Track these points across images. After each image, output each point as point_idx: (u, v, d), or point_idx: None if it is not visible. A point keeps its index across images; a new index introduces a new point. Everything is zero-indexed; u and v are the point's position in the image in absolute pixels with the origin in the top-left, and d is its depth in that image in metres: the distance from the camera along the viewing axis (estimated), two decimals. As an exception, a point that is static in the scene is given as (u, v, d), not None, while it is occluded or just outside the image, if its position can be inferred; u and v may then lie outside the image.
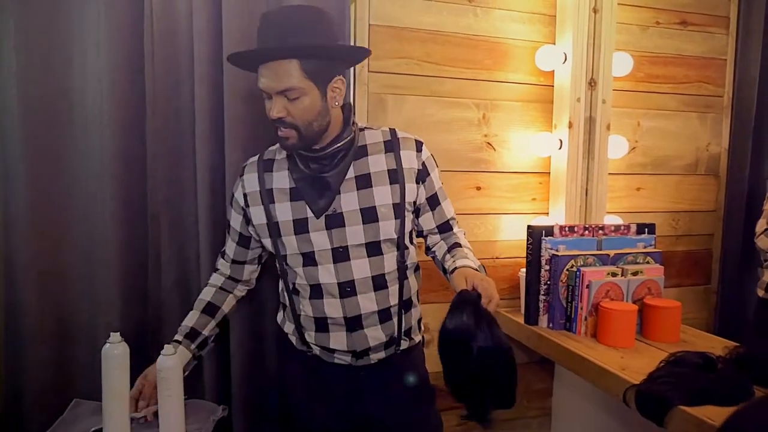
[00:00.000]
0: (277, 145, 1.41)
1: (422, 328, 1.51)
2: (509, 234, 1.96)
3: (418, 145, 1.40)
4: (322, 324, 1.36)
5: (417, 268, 1.47)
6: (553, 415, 2.07)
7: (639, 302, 1.70)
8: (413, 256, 1.43)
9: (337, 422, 1.40)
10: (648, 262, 1.78)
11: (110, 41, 1.54)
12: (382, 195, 1.34)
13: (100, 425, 1.24)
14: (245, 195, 1.40)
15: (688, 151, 2.17)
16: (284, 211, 1.35)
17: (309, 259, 1.34)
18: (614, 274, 1.70)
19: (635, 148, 2.08)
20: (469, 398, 1.19)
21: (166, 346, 1.27)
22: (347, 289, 1.33)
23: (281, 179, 1.37)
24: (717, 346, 1.55)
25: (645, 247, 1.82)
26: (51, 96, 1.54)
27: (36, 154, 1.53)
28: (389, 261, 1.36)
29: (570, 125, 1.87)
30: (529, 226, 1.77)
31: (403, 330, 1.40)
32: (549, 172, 1.98)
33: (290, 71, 1.23)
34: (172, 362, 1.25)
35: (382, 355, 1.38)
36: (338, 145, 1.33)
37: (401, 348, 1.41)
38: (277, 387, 1.61)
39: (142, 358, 1.53)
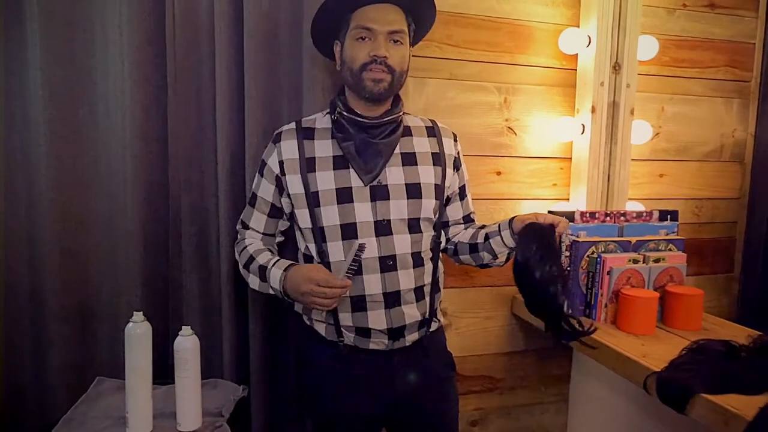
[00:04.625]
0: (313, 116, 1.44)
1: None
2: (529, 219, 1.95)
3: (455, 136, 1.49)
4: (359, 303, 1.33)
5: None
6: (571, 401, 2.07)
7: (660, 289, 1.67)
8: (443, 239, 1.46)
9: (368, 408, 1.39)
10: (670, 250, 1.76)
11: (132, 23, 1.54)
12: (427, 174, 1.38)
13: (122, 403, 1.26)
14: (281, 162, 1.37)
15: (712, 137, 2.13)
16: (326, 180, 1.33)
17: (349, 231, 1.31)
18: (636, 261, 1.68)
19: (659, 133, 2.05)
20: (541, 315, 1.35)
21: (184, 327, 1.28)
22: (389, 263, 1.32)
23: (324, 147, 1.36)
24: (740, 334, 1.53)
25: (667, 234, 1.79)
26: (74, 77, 1.55)
27: (58, 135, 1.55)
28: (426, 239, 1.38)
29: (593, 110, 1.85)
30: (549, 212, 1.74)
31: (433, 310, 1.42)
32: (570, 158, 1.95)
33: (399, 17, 1.32)
34: (189, 343, 1.27)
35: (415, 336, 1.39)
36: (390, 117, 1.36)
37: (430, 329, 1.42)
38: (298, 376, 1.54)
39: (162, 338, 1.56)
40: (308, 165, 1.35)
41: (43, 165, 1.54)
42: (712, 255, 2.16)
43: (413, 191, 1.35)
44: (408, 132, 1.41)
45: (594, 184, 1.87)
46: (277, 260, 1.36)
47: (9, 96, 1.53)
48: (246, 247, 1.42)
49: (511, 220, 1.37)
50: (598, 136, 1.86)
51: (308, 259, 1.39)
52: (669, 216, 1.82)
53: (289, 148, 1.37)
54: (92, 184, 1.60)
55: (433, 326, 1.44)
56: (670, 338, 1.55)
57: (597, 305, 1.67)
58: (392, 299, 1.34)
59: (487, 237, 1.41)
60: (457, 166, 1.48)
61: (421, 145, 1.41)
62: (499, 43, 1.85)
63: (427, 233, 1.39)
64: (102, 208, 1.61)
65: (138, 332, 1.22)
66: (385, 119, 1.35)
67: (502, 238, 1.39)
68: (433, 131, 1.45)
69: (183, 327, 1.27)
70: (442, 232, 1.46)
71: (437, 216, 1.40)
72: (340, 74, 1.39)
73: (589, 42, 1.84)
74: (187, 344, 1.25)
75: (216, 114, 1.60)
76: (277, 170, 1.38)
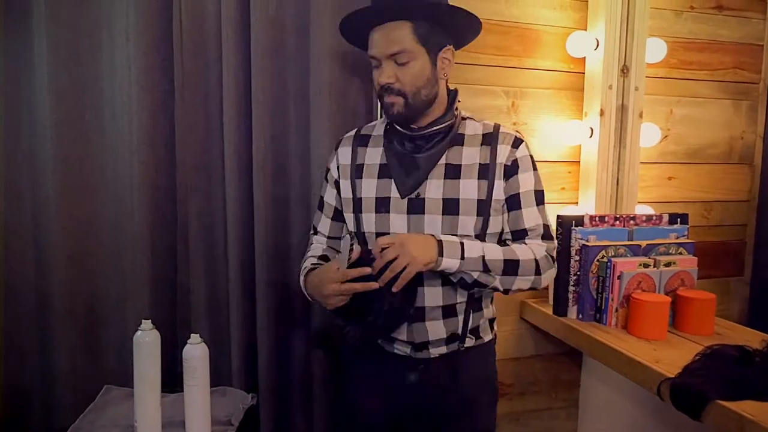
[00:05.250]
0: (376, 122, 1.42)
1: (494, 327, 1.43)
2: (537, 223, 1.93)
3: (516, 142, 1.31)
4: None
5: None
6: (581, 406, 2.05)
7: (671, 293, 1.66)
8: None
9: (391, 412, 1.37)
10: (681, 253, 1.75)
11: (139, 27, 1.54)
12: (468, 189, 1.28)
13: (131, 412, 1.25)
14: (338, 167, 1.40)
15: (721, 140, 2.12)
16: (369, 188, 1.33)
17: None
18: (646, 265, 1.67)
19: (667, 136, 2.03)
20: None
21: (192, 335, 1.27)
22: (415, 277, 1.25)
23: (374, 155, 1.35)
24: (753, 338, 1.52)
25: (677, 238, 1.78)
26: (81, 82, 1.55)
27: (66, 140, 1.55)
28: None
29: (602, 113, 1.83)
30: (558, 216, 1.74)
31: (469, 328, 1.34)
32: (578, 161, 1.94)
33: (402, 34, 1.23)
34: (198, 351, 1.25)
35: (443, 350, 1.33)
36: (437, 127, 1.30)
37: (465, 345, 1.35)
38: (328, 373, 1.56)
39: (170, 345, 1.55)
40: (357, 171, 1.36)
41: (50, 169, 1.54)
42: (722, 258, 2.14)
43: (450, 207, 1.28)
44: (459, 141, 1.32)
45: (603, 187, 1.86)
46: (306, 268, 1.35)
47: (16, 99, 1.53)
48: (306, 258, 1.41)
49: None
50: (606, 140, 1.85)
51: None
52: (679, 219, 1.81)
53: (344, 154, 1.40)
54: (99, 189, 1.60)
55: (469, 342, 1.35)
56: (683, 343, 1.53)
57: (607, 310, 1.66)
58: (416, 314, 1.29)
59: None
60: (508, 175, 1.30)
61: (471, 155, 1.30)
62: (507, 47, 1.84)
63: None
64: (109, 212, 1.61)
65: (147, 340, 1.21)
66: (428, 130, 1.30)
67: None
68: (489, 138, 1.32)
69: (192, 335, 1.26)
70: None
71: (482, 231, 1.29)
72: None
73: (597, 45, 1.83)
74: (196, 352, 1.23)
75: (223, 119, 1.60)
76: (336, 175, 1.40)
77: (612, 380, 1.89)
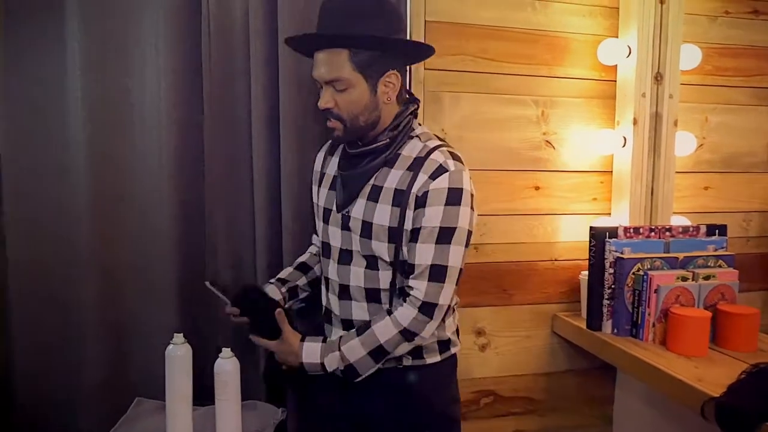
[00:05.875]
0: None
1: (450, 348, 1.37)
2: (569, 235, 1.89)
3: (437, 172, 1.21)
4: (327, 315, 1.40)
5: None
6: (615, 424, 1.99)
7: (711, 308, 1.61)
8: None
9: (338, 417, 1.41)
10: (720, 266, 1.69)
11: (168, 43, 1.56)
12: (382, 214, 1.25)
13: (162, 425, 1.24)
14: (315, 172, 1.47)
15: (759, 147, 2.05)
16: (322, 197, 1.40)
17: (326, 251, 1.38)
18: (684, 279, 1.62)
19: (702, 144, 1.98)
20: None
21: (224, 349, 1.26)
22: (344, 292, 1.33)
23: (333, 165, 1.40)
24: (800, 356, 1.46)
25: (716, 250, 1.72)
26: (112, 97, 1.57)
27: (97, 153, 1.56)
28: (384, 278, 1.28)
29: (635, 122, 1.79)
30: (591, 227, 1.70)
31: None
32: (611, 171, 1.90)
33: (340, 61, 1.21)
34: (230, 365, 1.24)
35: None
36: (369, 147, 1.29)
37: (403, 364, 1.30)
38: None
39: (199, 358, 1.54)
40: (320, 179, 1.43)
41: (83, 182, 1.55)
42: (763, 270, 2.07)
43: (366, 230, 1.27)
44: (392, 162, 1.27)
45: (637, 198, 1.81)
46: (276, 278, 1.50)
47: (50, 114, 1.55)
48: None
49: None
50: (640, 149, 1.80)
51: None
52: (717, 230, 1.75)
53: (318, 160, 1.47)
54: (129, 202, 1.61)
55: (406, 362, 1.30)
56: (725, 360, 1.48)
57: (644, 325, 1.61)
58: (347, 325, 1.34)
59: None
60: (418, 206, 1.22)
61: (394, 179, 1.25)
62: (536, 56, 1.81)
63: (385, 272, 1.27)
64: (138, 225, 1.62)
65: (179, 354, 1.21)
66: (361, 149, 1.29)
67: None
68: (416, 163, 1.24)
69: (223, 349, 1.25)
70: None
71: (395, 258, 1.25)
72: None
73: (629, 52, 1.80)
74: (227, 367, 1.22)
75: (252, 132, 1.60)
76: (315, 178, 1.47)
77: (647, 397, 1.83)
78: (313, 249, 1.55)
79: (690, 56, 1.86)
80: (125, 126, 1.59)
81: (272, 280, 1.48)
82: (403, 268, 1.26)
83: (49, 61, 1.54)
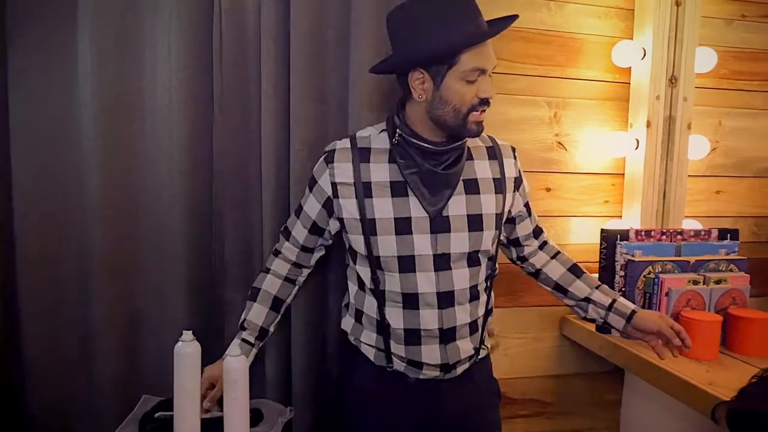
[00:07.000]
0: (368, 132, 1.33)
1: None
2: (580, 237, 1.88)
3: (512, 152, 1.38)
4: (413, 337, 1.27)
5: None
6: (623, 426, 1.98)
7: (722, 312, 1.60)
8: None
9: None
10: (731, 270, 1.68)
11: (180, 41, 1.55)
12: (489, 204, 1.29)
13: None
14: (334, 185, 1.28)
15: (773, 153, 2.04)
16: (384, 208, 1.24)
17: (407, 264, 1.24)
18: (696, 282, 1.61)
19: (716, 148, 1.97)
20: None
21: (232, 346, 1.25)
22: (447, 300, 1.26)
23: (380, 171, 1.26)
24: (812, 362, 1.44)
25: (728, 254, 1.71)
26: (124, 95, 1.56)
27: (109, 151, 1.55)
28: (483, 272, 1.31)
29: (648, 124, 1.78)
30: (603, 230, 1.69)
31: (483, 339, 1.37)
32: (623, 174, 1.89)
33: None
34: (239, 364, 1.22)
35: (466, 366, 1.33)
36: (459, 142, 1.25)
37: (479, 357, 1.37)
38: (338, 397, 1.49)
39: (207, 355, 1.54)
40: (365, 189, 1.25)
41: (94, 179, 1.55)
42: (774, 276, 2.05)
43: (475, 223, 1.26)
44: (470, 155, 1.29)
45: (649, 201, 1.80)
46: (254, 327, 1.38)
47: (62, 111, 1.55)
48: (268, 273, 1.43)
49: (632, 314, 1.37)
50: (653, 152, 1.79)
51: (360, 283, 1.34)
52: (729, 235, 1.74)
53: (343, 170, 1.28)
54: (140, 199, 1.60)
55: (482, 353, 1.39)
56: (736, 364, 1.47)
57: (655, 328, 1.59)
58: (448, 335, 1.27)
59: (588, 299, 1.42)
60: (518, 186, 1.38)
61: (483, 169, 1.30)
62: (550, 57, 1.80)
63: (484, 264, 1.31)
64: (148, 222, 1.61)
65: (187, 351, 1.20)
66: (451, 145, 1.24)
67: (605, 317, 1.41)
68: (494, 152, 1.33)
69: (231, 346, 1.25)
70: (510, 255, 1.49)
71: (494, 246, 1.32)
72: (424, 106, 1.23)
73: (644, 54, 1.79)
74: (236, 365, 1.21)
75: (262, 131, 1.60)
76: (329, 192, 1.30)
77: (656, 400, 1.82)
78: (282, 268, 1.42)
79: (705, 59, 1.85)
80: (137, 124, 1.58)
81: (250, 338, 1.36)
82: (517, 242, 1.45)
83: (60, 60, 1.53)
